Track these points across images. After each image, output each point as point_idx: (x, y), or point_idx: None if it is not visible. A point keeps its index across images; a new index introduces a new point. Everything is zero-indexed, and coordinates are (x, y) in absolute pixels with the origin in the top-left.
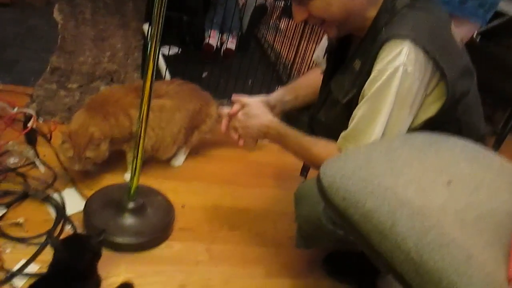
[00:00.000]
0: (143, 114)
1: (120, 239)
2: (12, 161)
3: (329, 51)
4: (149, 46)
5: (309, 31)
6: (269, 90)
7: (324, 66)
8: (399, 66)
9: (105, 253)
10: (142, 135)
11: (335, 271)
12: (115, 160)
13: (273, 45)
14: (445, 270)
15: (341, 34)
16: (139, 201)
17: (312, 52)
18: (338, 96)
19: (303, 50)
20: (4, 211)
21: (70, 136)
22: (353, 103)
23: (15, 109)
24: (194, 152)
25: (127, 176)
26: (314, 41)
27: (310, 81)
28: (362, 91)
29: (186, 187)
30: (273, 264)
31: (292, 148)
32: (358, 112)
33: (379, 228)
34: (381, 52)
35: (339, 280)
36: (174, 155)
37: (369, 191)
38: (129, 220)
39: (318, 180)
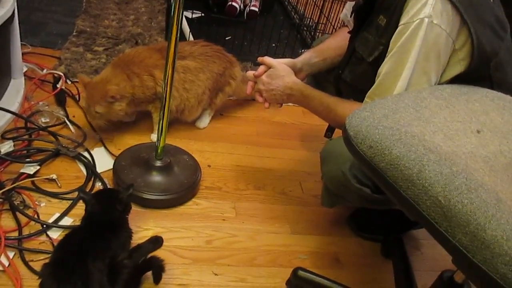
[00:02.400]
0: (168, 76)
1: (148, 196)
2: (43, 120)
3: (355, 9)
4: (172, 8)
5: None
6: (293, 52)
7: (351, 25)
8: (424, 18)
9: (135, 209)
10: (167, 96)
11: (361, 228)
12: (142, 121)
13: (297, 6)
14: (473, 213)
15: None
16: (166, 160)
17: (336, 12)
18: (363, 55)
19: (327, 11)
20: (37, 167)
21: (86, 87)
22: (379, 61)
23: (44, 71)
24: (219, 114)
25: (154, 137)
26: (338, 1)
27: (338, 42)
28: (388, 47)
29: (211, 147)
30: (298, 222)
31: (316, 109)
32: (383, 69)
33: (406, 175)
34: (406, 6)
35: (365, 237)
36: (199, 117)
37: (396, 139)
38: (156, 177)
39: (344, 131)
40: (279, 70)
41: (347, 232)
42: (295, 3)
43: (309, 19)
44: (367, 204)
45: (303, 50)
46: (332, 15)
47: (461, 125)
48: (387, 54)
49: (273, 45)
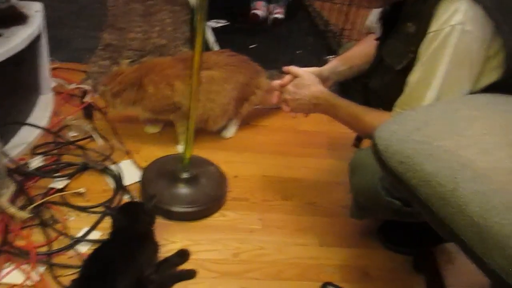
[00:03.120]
0: (192, 86)
1: (175, 208)
2: (71, 134)
3: (382, 16)
4: (196, 17)
5: None
6: (318, 59)
7: (378, 32)
8: (456, 24)
9: (162, 222)
10: (192, 106)
11: (391, 241)
12: (168, 132)
13: (321, 12)
14: None
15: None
16: (192, 171)
17: (362, 18)
18: (391, 63)
19: (353, 17)
20: (67, 181)
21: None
22: (408, 70)
23: (72, 85)
24: (245, 123)
25: (180, 148)
26: (364, 7)
27: (364, 49)
28: (417, 55)
29: (238, 157)
30: (327, 234)
31: (344, 118)
32: (413, 77)
33: (439, 192)
34: (436, 12)
35: (394, 251)
36: (225, 126)
37: (428, 154)
38: (183, 190)
39: (373, 144)
40: (305, 79)
41: (376, 245)
42: (320, 10)
43: (334, 26)
44: (397, 217)
45: (328, 57)
46: (358, 21)
47: (497, 138)
48: (416, 62)
49: (298, 52)
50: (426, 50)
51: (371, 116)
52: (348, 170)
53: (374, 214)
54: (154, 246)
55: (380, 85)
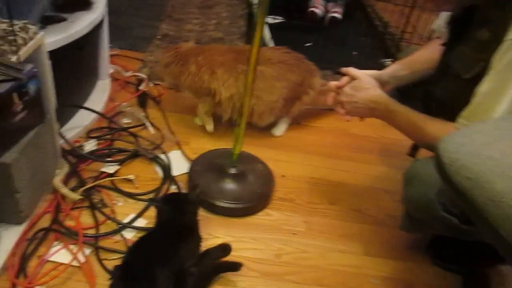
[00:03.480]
0: (248, 82)
1: (220, 203)
2: (125, 121)
3: (451, 20)
4: (255, 12)
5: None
6: (375, 62)
7: (445, 37)
8: None
9: (206, 215)
10: (246, 102)
11: (440, 257)
12: (220, 126)
13: (381, 13)
14: None
15: (463, 3)
16: (240, 167)
17: (425, 21)
18: (458, 71)
19: (415, 20)
20: (117, 167)
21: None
22: (477, 79)
23: (129, 73)
24: (296, 122)
25: (197, 120)
26: (428, 10)
27: (428, 54)
28: (489, 64)
29: (287, 156)
30: (372, 243)
31: (402, 126)
32: (483, 88)
33: (509, 214)
34: None
35: (443, 268)
36: (275, 124)
37: (500, 172)
38: (230, 185)
39: (437, 156)
40: (364, 82)
41: (424, 260)
42: (380, 11)
43: (394, 28)
44: (451, 233)
45: (385, 60)
46: (420, 24)
47: None
48: (488, 72)
49: (354, 53)
50: (501, 59)
51: (432, 125)
52: (402, 180)
53: (426, 228)
54: (197, 239)
55: (444, 93)
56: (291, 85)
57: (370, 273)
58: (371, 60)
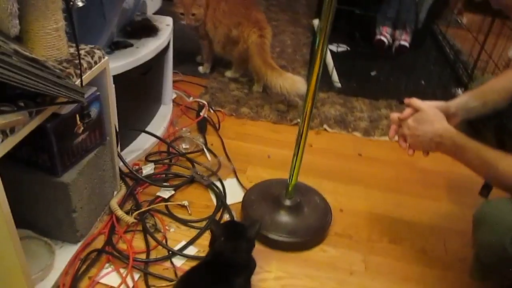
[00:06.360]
0: (306, 109)
1: (274, 236)
2: (183, 146)
3: None
4: (317, 39)
5: (498, 26)
6: (445, 92)
7: None
8: None
9: (258, 247)
10: (304, 129)
11: None
12: (277, 156)
13: (453, 41)
14: None
15: None
16: (296, 199)
17: (501, 49)
18: None
19: (490, 47)
20: (172, 192)
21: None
22: None
23: (191, 98)
24: (356, 154)
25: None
26: (505, 37)
27: (503, 83)
28: None
29: (346, 189)
30: None
31: (471, 162)
32: None
33: None
34: None
35: None
36: None
37: None
38: (284, 217)
39: None
40: (429, 114)
41: None
42: (451, 37)
43: (466, 56)
44: None
45: (457, 90)
46: (496, 51)
47: None
48: None
49: (422, 82)
50: None
51: (507, 163)
52: (472, 222)
53: (499, 278)
54: (249, 273)
55: None
56: None
57: None
58: (440, 90)
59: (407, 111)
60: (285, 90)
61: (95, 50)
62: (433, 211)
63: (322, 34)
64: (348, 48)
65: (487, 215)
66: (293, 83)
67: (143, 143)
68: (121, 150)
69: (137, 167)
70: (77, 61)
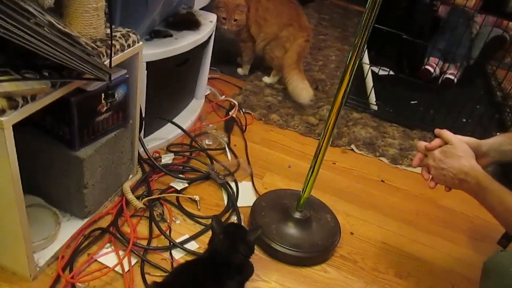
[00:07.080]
0: (329, 124)
1: (277, 246)
2: (206, 142)
3: None
4: (349, 55)
5: None
6: (484, 133)
7: None
8: None
9: (260, 256)
10: (324, 144)
11: None
12: (298, 167)
13: (503, 83)
14: None
15: None
16: (306, 213)
17: None
18: None
19: None
20: (186, 185)
21: (225, 3)
22: None
23: (223, 97)
24: (380, 179)
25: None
26: None
27: None
28: None
29: (360, 213)
30: None
31: (493, 207)
32: None
33: None
34: None
35: None
36: None
37: None
38: (291, 229)
39: None
40: (457, 149)
41: None
42: (503, 79)
43: None
44: None
45: (498, 134)
46: None
47: None
48: None
49: (463, 120)
50: None
51: None
52: (481, 270)
53: None
54: (243, 278)
55: None
56: None
57: None
58: (480, 131)
59: (436, 141)
60: (292, 91)
61: (131, 34)
62: (448, 253)
63: (355, 50)
64: (391, 72)
65: (497, 265)
66: (302, 90)
67: (167, 133)
68: (145, 136)
69: (157, 155)
70: (109, 42)
